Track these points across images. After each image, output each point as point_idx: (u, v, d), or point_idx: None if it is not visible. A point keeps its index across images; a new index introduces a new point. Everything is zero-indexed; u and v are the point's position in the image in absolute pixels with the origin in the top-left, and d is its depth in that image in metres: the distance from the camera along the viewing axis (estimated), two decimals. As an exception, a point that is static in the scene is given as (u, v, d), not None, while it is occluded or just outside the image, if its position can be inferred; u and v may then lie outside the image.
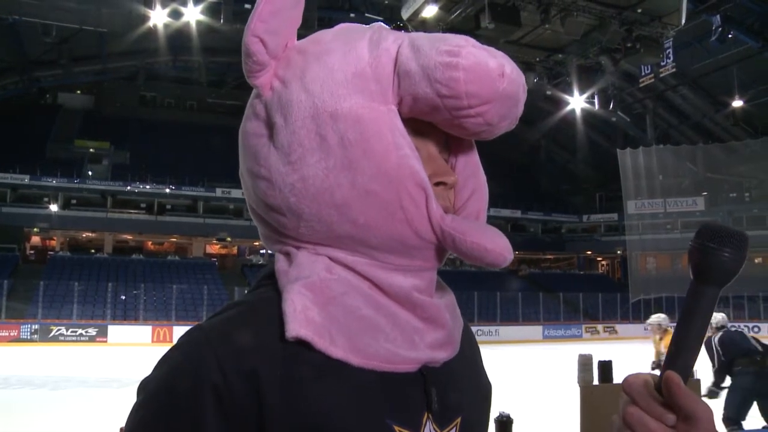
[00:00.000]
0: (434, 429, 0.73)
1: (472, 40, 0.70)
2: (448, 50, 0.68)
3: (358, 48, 0.72)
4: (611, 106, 23.84)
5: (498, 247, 0.72)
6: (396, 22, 16.91)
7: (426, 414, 0.73)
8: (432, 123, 0.73)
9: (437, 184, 0.74)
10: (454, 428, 0.76)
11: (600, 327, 32.22)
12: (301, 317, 0.68)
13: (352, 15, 27.98)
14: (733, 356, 6.68)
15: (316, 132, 0.69)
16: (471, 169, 0.81)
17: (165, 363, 0.70)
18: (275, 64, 0.74)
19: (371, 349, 0.70)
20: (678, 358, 0.59)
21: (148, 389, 0.69)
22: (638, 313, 33.33)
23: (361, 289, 0.72)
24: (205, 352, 0.66)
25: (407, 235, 0.71)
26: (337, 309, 0.70)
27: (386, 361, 0.70)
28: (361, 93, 0.70)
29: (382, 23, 0.79)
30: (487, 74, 0.67)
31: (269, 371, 0.66)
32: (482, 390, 0.86)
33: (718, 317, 6.97)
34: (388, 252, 0.72)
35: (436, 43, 0.69)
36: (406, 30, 0.76)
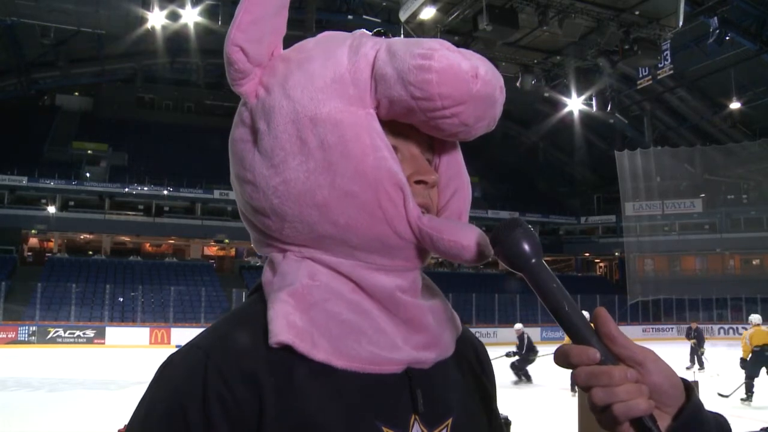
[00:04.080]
0: (422, 430, 0.74)
1: (447, 44, 0.71)
2: (421, 53, 0.69)
3: (337, 54, 0.74)
4: (609, 108, 23.83)
5: (474, 244, 0.73)
6: (392, 26, 16.90)
7: (413, 415, 0.74)
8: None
9: (417, 182, 0.75)
10: (445, 429, 0.76)
11: (598, 329, 32.17)
12: (283, 323, 0.69)
13: (350, 17, 27.99)
14: None
15: (297, 136, 0.71)
16: (454, 169, 0.82)
17: (166, 384, 0.70)
18: (261, 72, 0.76)
19: (354, 352, 0.71)
20: (571, 320, 0.64)
21: (155, 411, 0.69)
22: (636, 315, 33.37)
23: (342, 295, 0.74)
24: (208, 368, 0.67)
25: (387, 235, 0.72)
26: (319, 314, 0.72)
27: (370, 362, 0.72)
28: (340, 97, 0.71)
29: (364, 30, 0.80)
30: (460, 76, 0.69)
31: (265, 377, 0.68)
32: (480, 396, 0.86)
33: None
34: (369, 252, 0.74)
35: (411, 47, 0.70)
36: (386, 36, 0.77)
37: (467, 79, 0.69)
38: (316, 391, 0.69)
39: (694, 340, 16.52)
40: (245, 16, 0.72)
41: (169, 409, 0.67)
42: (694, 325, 16.95)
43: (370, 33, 0.80)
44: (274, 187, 0.72)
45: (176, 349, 0.74)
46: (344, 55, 0.73)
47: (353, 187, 0.70)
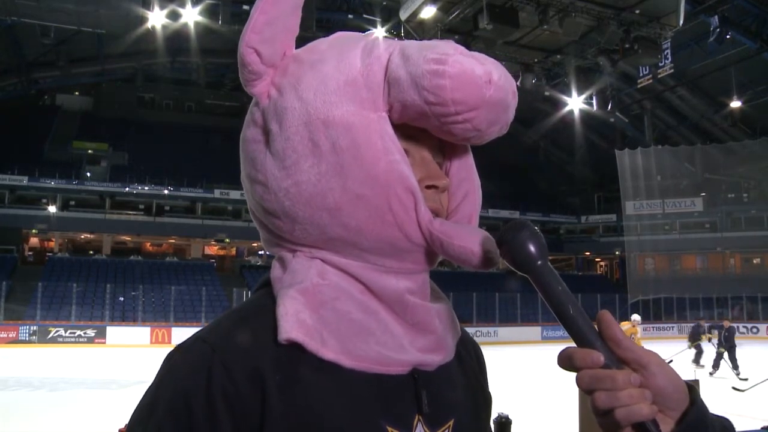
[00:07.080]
0: (425, 431, 0.75)
1: (461, 48, 0.71)
2: (435, 58, 0.69)
3: (350, 56, 0.74)
4: (609, 107, 23.82)
5: (485, 250, 0.73)
6: (393, 29, 16.90)
7: (417, 416, 0.74)
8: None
9: (428, 187, 0.75)
10: (447, 430, 0.77)
11: (599, 328, 32.22)
12: (293, 320, 0.70)
13: (350, 16, 27.95)
14: None
15: (309, 138, 0.71)
16: (465, 173, 0.82)
17: (171, 377, 0.70)
18: (273, 72, 0.76)
19: (362, 351, 0.72)
20: (576, 323, 0.64)
21: (159, 405, 0.69)
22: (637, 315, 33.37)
23: (352, 294, 0.74)
24: (213, 362, 0.68)
25: (397, 238, 0.72)
26: (328, 313, 0.72)
27: (377, 363, 0.72)
28: (353, 100, 0.71)
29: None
30: (473, 81, 0.68)
31: (270, 374, 0.68)
32: (480, 398, 0.87)
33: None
34: (379, 255, 0.74)
35: (425, 51, 0.70)
36: (400, 38, 0.76)
37: (480, 84, 0.69)
38: (321, 389, 0.69)
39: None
40: (260, 17, 0.72)
41: (173, 403, 0.68)
42: (726, 323, 15.54)
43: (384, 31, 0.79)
44: (286, 189, 0.73)
45: (182, 341, 0.74)
46: (357, 58, 0.73)
47: (364, 190, 0.70)
